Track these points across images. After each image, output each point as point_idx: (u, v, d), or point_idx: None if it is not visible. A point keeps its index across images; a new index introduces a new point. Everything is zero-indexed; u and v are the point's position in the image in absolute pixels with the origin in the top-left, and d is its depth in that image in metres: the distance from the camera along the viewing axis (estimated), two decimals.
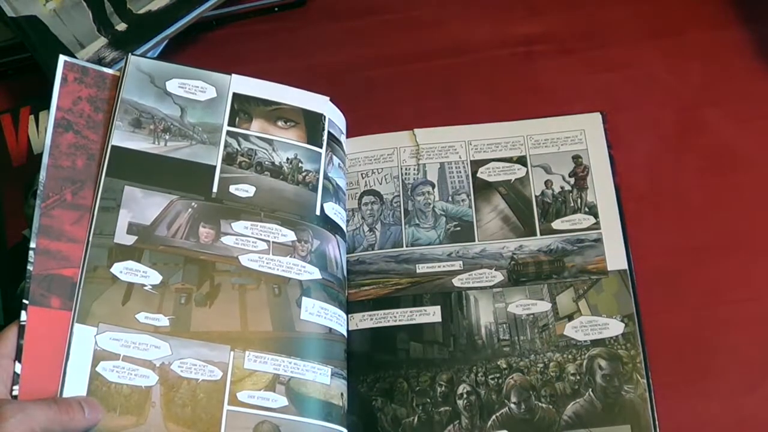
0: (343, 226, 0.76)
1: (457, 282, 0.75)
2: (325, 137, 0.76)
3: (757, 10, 0.84)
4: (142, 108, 0.73)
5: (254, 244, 0.71)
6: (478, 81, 0.84)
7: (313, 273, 0.71)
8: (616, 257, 0.74)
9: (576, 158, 0.78)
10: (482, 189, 0.78)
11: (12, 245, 0.77)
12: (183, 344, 0.67)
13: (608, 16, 0.85)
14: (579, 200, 0.77)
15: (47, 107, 0.71)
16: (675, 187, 0.78)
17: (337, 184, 0.76)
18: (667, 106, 0.81)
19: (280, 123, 0.76)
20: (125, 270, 0.68)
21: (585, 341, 0.72)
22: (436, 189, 0.79)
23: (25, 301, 0.65)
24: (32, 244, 0.66)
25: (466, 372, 0.72)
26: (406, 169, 0.80)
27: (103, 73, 0.74)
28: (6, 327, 0.65)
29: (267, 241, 0.71)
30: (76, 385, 0.64)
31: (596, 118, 0.79)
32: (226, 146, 0.73)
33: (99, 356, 0.65)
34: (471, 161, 0.79)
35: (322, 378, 0.69)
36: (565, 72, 0.83)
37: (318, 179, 0.74)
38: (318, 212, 0.73)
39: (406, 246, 0.77)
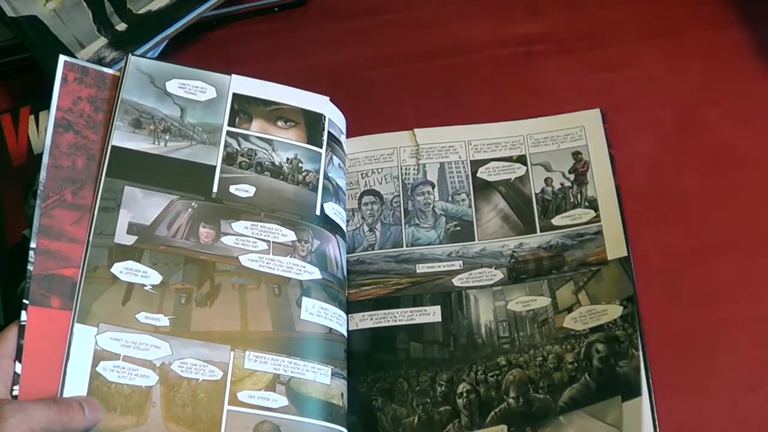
0: (343, 226, 0.76)
1: (457, 282, 0.75)
2: (325, 137, 0.76)
3: (757, 10, 0.84)
4: (142, 108, 0.73)
5: (254, 244, 0.71)
6: (478, 81, 0.84)
7: (313, 273, 0.71)
8: (616, 246, 0.74)
9: (576, 155, 0.78)
10: (482, 188, 0.78)
11: (12, 245, 0.77)
12: (183, 344, 0.67)
13: (608, 16, 0.85)
14: (579, 195, 0.77)
15: (47, 107, 0.71)
16: (675, 187, 0.78)
17: (337, 184, 0.76)
18: (667, 106, 0.81)
19: (280, 123, 0.76)
20: (125, 270, 0.68)
21: (584, 330, 0.71)
22: (436, 189, 0.79)
23: (25, 301, 0.65)
24: (32, 244, 0.66)
25: (465, 371, 0.72)
26: (406, 169, 0.80)
27: (103, 73, 0.74)
28: (6, 327, 0.65)
29: (267, 241, 0.71)
30: (76, 385, 0.64)
31: (596, 114, 0.79)
32: (226, 146, 0.73)
33: (99, 356, 0.65)
34: (471, 161, 0.79)
35: (322, 378, 0.69)
36: (565, 72, 0.83)
37: (318, 179, 0.74)
38: (318, 212, 0.73)
39: (406, 246, 0.77)
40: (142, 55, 0.77)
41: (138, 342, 0.66)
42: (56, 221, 0.68)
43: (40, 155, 0.70)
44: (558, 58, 0.84)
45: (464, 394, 0.71)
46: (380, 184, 0.79)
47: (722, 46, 0.83)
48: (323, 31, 0.87)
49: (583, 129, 0.79)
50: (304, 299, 0.70)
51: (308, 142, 0.75)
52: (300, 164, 0.74)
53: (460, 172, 0.79)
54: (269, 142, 0.74)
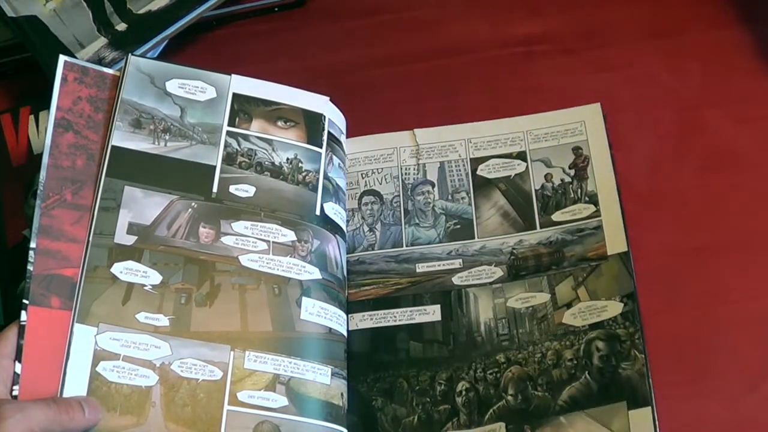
0: (343, 226, 0.76)
1: (456, 280, 0.75)
2: (325, 137, 0.76)
3: (757, 10, 0.84)
4: (142, 108, 0.73)
5: (254, 244, 0.71)
6: (478, 81, 0.84)
7: (313, 273, 0.71)
8: (616, 241, 0.73)
9: (576, 149, 0.78)
10: (482, 186, 0.78)
11: (12, 245, 0.77)
12: (183, 344, 0.67)
13: (608, 16, 0.85)
14: (579, 190, 0.76)
15: (47, 107, 0.71)
16: (675, 187, 0.78)
17: (337, 184, 0.76)
18: (667, 106, 0.81)
19: (280, 123, 0.76)
20: (125, 270, 0.68)
21: (583, 326, 0.71)
22: (435, 188, 0.79)
23: (25, 301, 0.65)
24: (32, 244, 0.66)
25: (465, 369, 0.72)
26: (406, 168, 0.80)
27: (103, 73, 0.74)
28: (6, 327, 0.65)
29: (267, 241, 0.71)
30: (76, 385, 0.64)
31: (596, 108, 0.79)
32: (226, 146, 0.73)
33: (99, 356, 0.65)
34: (471, 159, 0.79)
35: (322, 378, 0.69)
36: (565, 72, 0.83)
37: (318, 179, 0.74)
38: (318, 212, 0.73)
39: (406, 246, 0.77)
40: (142, 55, 0.77)
41: (138, 342, 0.66)
42: (56, 221, 0.68)
43: (40, 155, 0.70)
44: (558, 58, 0.84)
45: (463, 393, 0.71)
46: (380, 184, 0.79)
47: (722, 46, 0.83)
48: (323, 31, 0.87)
49: (584, 123, 0.79)
50: (304, 299, 0.70)
51: (308, 142, 0.75)
52: (300, 164, 0.74)
53: (459, 170, 0.79)
54: (269, 142, 0.74)
